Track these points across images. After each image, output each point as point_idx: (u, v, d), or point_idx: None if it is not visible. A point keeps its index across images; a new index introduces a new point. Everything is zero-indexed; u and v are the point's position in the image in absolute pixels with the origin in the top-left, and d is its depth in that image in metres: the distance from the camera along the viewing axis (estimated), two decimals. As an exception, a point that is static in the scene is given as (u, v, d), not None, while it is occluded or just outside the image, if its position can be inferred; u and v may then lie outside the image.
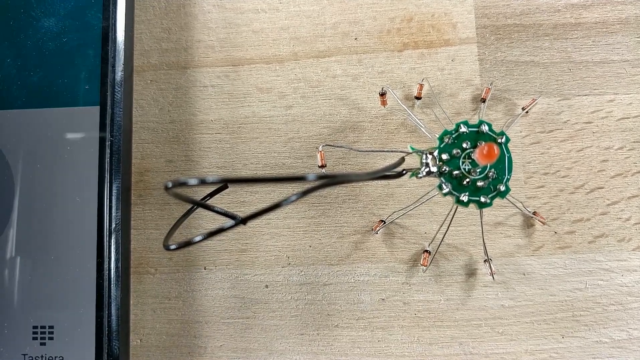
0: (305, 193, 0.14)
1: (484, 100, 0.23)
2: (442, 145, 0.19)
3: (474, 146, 0.19)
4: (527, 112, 0.23)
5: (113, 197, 0.22)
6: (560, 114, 0.23)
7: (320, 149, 0.22)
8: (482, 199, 0.19)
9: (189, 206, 0.20)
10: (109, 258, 0.22)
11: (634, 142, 0.23)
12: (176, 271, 0.24)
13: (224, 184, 0.17)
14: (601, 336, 0.22)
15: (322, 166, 0.22)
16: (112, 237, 0.22)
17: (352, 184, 0.23)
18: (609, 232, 0.23)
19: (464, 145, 0.19)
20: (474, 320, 0.23)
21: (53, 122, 0.22)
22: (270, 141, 0.24)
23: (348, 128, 0.24)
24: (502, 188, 0.19)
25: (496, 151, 0.17)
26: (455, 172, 0.19)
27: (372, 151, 0.23)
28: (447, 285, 0.23)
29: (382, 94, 0.23)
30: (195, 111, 0.24)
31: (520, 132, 0.23)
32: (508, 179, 0.19)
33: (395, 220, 0.23)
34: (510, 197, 0.22)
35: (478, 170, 0.19)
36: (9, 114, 0.23)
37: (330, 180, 0.15)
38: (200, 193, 0.22)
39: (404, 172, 0.19)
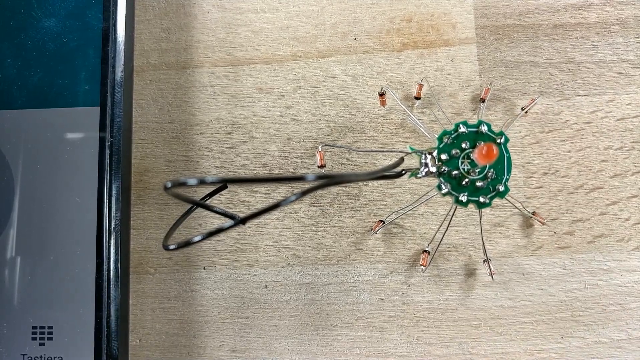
0: (304, 193, 0.14)
1: (483, 101, 0.23)
2: (441, 146, 0.19)
3: (473, 146, 0.19)
4: (526, 112, 0.23)
5: (113, 197, 0.22)
6: (559, 114, 0.23)
7: (319, 149, 0.22)
8: (481, 199, 0.19)
9: (188, 206, 0.20)
10: (109, 258, 0.22)
11: (633, 142, 0.23)
12: (175, 271, 0.24)
13: (224, 184, 0.17)
14: (600, 336, 0.22)
15: (322, 166, 0.22)
16: (112, 237, 0.22)
17: (352, 184, 0.23)
18: (608, 232, 0.23)
19: (463, 145, 0.19)
20: (473, 320, 0.23)
21: (53, 123, 0.22)
22: (269, 141, 0.24)
23: (347, 128, 0.24)
24: (501, 188, 0.19)
25: (495, 151, 0.17)
26: (455, 172, 0.19)
27: (372, 151, 0.23)
28: (446, 285, 0.23)
29: (382, 94, 0.23)
30: (195, 111, 0.24)
31: (520, 132, 0.23)
32: (507, 179, 0.19)
33: (395, 221, 0.23)
34: (510, 197, 0.22)
35: (477, 171, 0.19)
36: (9, 114, 0.23)
37: (329, 180, 0.15)
38: (199, 193, 0.22)
39: (403, 172, 0.19)
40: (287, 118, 0.24)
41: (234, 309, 0.23)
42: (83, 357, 0.21)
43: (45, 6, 0.23)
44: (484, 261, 0.22)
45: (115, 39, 0.23)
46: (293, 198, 0.14)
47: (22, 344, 0.21)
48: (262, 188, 0.24)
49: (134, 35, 0.25)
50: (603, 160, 0.23)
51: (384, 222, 0.23)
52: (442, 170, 0.19)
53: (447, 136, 0.19)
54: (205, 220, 0.24)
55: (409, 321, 0.23)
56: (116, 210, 0.22)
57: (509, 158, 0.19)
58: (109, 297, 0.21)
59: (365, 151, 0.23)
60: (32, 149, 0.22)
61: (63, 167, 0.22)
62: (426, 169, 0.19)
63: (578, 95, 0.23)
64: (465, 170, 0.19)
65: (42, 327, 0.22)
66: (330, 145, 0.23)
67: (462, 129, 0.19)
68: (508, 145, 0.20)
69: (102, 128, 0.22)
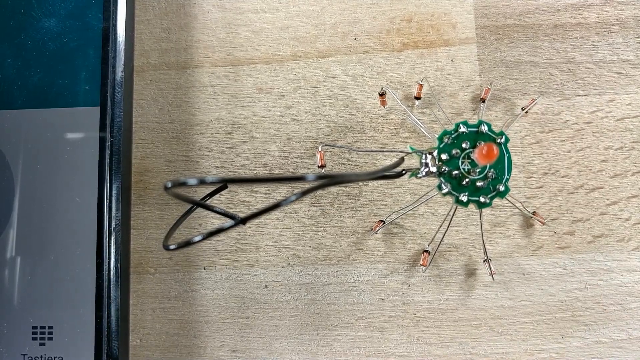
0: (304, 193, 0.14)
1: (483, 101, 0.23)
2: (441, 146, 0.19)
3: (474, 146, 0.19)
4: (526, 112, 0.23)
5: (113, 197, 0.22)
6: (559, 114, 0.23)
7: (319, 149, 0.22)
8: (482, 199, 0.19)
9: (188, 206, 0.20)
10: (109, 258, 0.22)
11: (633, 142, 0.23)
12: (176, 271, 0.24)
13: (224, 184, 0.17)
14: (601, 336, 0.22)
15: (322, 166, 0.22)
16: (112, 237, 0.22)
17: (352, 184, 0.23)
18: (609, 232, 0.23)
19: (464, 145, 0.19)
20: (474, 320, 0.23)
21: (53, 123, 0.22)
22: (269, 141, 0.24)
23: (347, 128, 0.24)
24: (502, 188, 0.19)
25: (495, 151, 0.17)
26: (455, 172, 0.19)
27: (372, 151, 0.23)
28: (446, 285, 0.23)
29: (382, 94, 0.23)
30: (195, 111, 0.24)
31: (520, 132, 0.23)
32: (507, 179, 0.19)
33: (395, 220, 0.23)
34: (510, 197, 0.22)
35: (477, 171, 0.19)
36: (9, 114, 0.23)
37: (329, 180, 0.15)
38: (199, 193, 0.22)
39: (404, 172, 0.19)
40: (287, 118, 0.24)
41: (234, 309, 0.23)
42: (83, 357, 0.21)
43: (46, 6, 0.23)
44: (484, 261, 0.22)
45: (116, 39, 0.23)
46: (293, 198, 0.14)
47: (22, 344, 0.21)
48: (262, 188, 0.24)
49: (134, 35, 0.25)
50: (603, 160, 0.23)
51: (384, 222, 0.23)
52: (442, 170, 0.19)
53: (448, 136, 0.19)
54: (206, 220, 0.24)
55: (409, 321, 0.23)
56: (116, 210, 0.22)
57: (509, 158, 0.19)
58: (109, 297, 0.21)
59: (366, 151, 0.23)
60: (32, 149, 0.22)
61: (63, 167, 0.22)
62: (426, 169, 0.19)
63: (578, 95, 0.23)
64: (466, 170, 0.19)
65: (42, 327, 0.22)
66: (330, 145, 0.23)
67: (463, 128, 0.19)
68: (508, 145, 0.19)
69: (102, 128, 0.22)
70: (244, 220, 0.14)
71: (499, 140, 0.19)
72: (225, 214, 0.15)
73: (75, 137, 0.22)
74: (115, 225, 0.22)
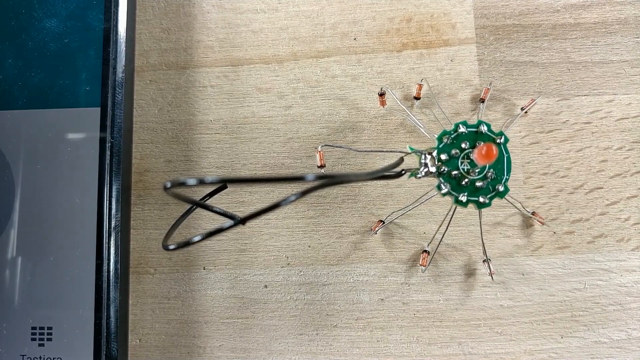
0: (304, 193, 0.14)
1: (482, 101, 0.23)
2: (441, 146, 0.19)
3: (473, 146, 0.19)
4: (526, 112, 0.23)
5: (113, 198, 0.22)
6: (559, 114, 0.23)
7: (319, 149, 0.22)
8: (481, 199, 0.19)
9: (188, 206, 0.20)
10: (109, 258, 0.22)
11: (633, 142, 0.23)
12: (175, 271, 0.24)
13: (223, 184, 0.17)
14: (600, 336, 0.22)
15: (321, 166, 0.22)
16: (112, 237, 0.22)
17: (351, 184, 0.24)
18: (608, 232, 0.23)
19: (463, 145, 0.19)
20: (473, 320, 0.23)
21: (54, 123, 0.22)
22: (269, 141, 0.24)
23: (347, 128, 0.24)
24: (501, 188, 0.19)
25: (495, 151, 0.17)
26: (454, 172, 0.19)
27: (371, 151, 0.23)
28: (446, 285, 0.23)
29: (381, 94, 0.23)
30: (195, 111, 0.24)
31: (519, 132, 0.23)
32: (507, 179, 0.19)
33: (395, 221, 0.23)
34: (509, 197, 0.22)
35: (477, 171, 0.19)
36: (10, 115, 0.23)
37: (329, 180, 0.15)
38: (199, 193, 0.22)
39: (403, 172, 0.19)
40: (287, 118, 0.24)
41: (234, 309, 0.23)
42: (82, 358, 0.21)
43: (47, 7, 0.23)
44: (483, 261, 0.22)
45: (116, 39, 0.23)
46: (293, 198, 0.14)
47: (22, 344, 0.21)
48: (261, 188, 0.24)
49: (135, 36, 0.25)
50: (603, 161, 0.23)
51: (384, 222, 0.23)
52: (441, 170, 0.19)
53: (447, 136, 0.19)
54: (205, 220, 0.24)
55: (408, 321, 0.23)
56: (116, 210, 0.22)
57: (508, 158, 0.19)
58: (108, 297, 0.21)
59: (365, 151, 0.23)
60: (32, 149, 0.22)
61: (63, 167, 0.22)
62: (426, 169, 0.19)
63: (578, 96, 0.23)
64: (465, 170, 0.19)
65: (41, 328, 0.22)
66: (330, 146, 0.23)
67: (462, 129, 0.19)
68: (508, 145, 0.20)
69: (103, 129, 0.22)
70: (243, 221, 0.14)
71: (498, 141, 0.19)
72: (224, 214, 0.15)
73: (75, 137, 0.22)
74: (115, 225, 0.22)
